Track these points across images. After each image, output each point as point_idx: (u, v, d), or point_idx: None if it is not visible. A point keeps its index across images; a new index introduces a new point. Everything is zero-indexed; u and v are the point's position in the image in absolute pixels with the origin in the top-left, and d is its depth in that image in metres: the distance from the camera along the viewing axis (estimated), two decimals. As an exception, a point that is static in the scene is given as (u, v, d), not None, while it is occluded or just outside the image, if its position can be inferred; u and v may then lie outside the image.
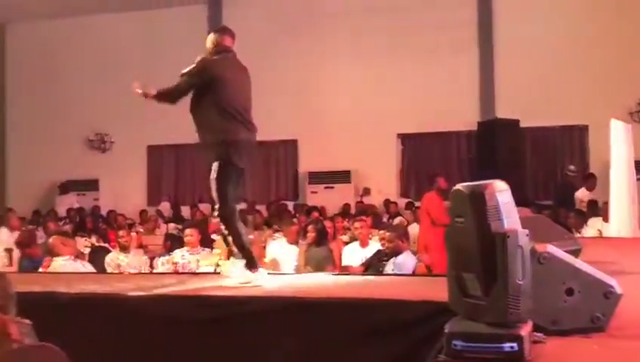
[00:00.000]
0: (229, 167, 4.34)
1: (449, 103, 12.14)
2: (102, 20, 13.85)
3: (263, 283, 4.34)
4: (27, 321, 3.00)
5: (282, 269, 6.88)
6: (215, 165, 4.35)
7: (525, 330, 2.01)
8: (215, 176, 4.34)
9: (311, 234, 7.30)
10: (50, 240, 6.58)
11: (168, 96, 4.48)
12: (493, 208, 2.05)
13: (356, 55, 12.83)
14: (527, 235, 2.03)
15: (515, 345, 1.97)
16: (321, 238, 7.25)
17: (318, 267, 6.83)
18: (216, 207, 4.41)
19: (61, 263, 6.15)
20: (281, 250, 7.23)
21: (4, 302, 2.99)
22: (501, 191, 2.11)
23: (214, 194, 4.37)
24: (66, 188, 14.16)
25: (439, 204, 7.87)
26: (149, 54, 13.68)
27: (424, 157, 12.99)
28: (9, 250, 7.72)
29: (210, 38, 4.60)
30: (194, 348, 3.83)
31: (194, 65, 4.41)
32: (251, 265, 4.38)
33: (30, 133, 14.50)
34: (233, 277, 4.44)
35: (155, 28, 13.60)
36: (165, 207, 13.58)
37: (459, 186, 2.19)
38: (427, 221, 7.91)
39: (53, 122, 14.21)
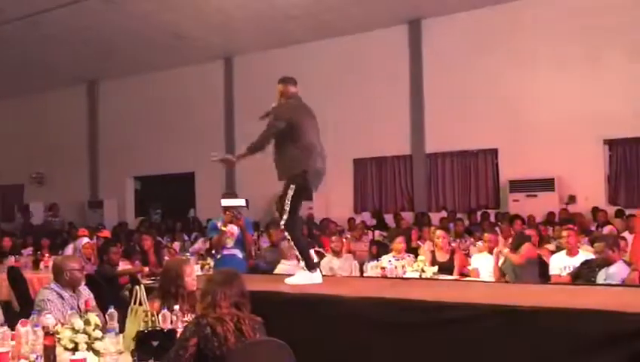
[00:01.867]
0: (303, 191, 5.12)
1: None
2: (310, 48, 14.79)
3: (320, 282, 4.97)
4: (258, 318, 3.39)
5: (482, 278, 6.99)
6: (293, 187, 5.11)
7: None
8: (291, 195, 5.09)
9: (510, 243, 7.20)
10: (283, 244, 7.35)
11: (259, 146, 5.28)
12: None
13: (556, 60, 12.48)
14: None
15: None
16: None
17: (518, 277, 6.75)
18: (284, 217, 5.11)
19: (283, 266, 7.07)
20: (483, 259, 7.29)
21: (240, 300, 3.39)
22: None
23: (286, 208, 5.10)
24: (282, 199, 15.44)
25: None
26: (353, 76, 14.38)
27: (634, 162, 12.21)
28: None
29: (278, 88, 5.39)
30: (400, 350, 3.96)
31: (276, 113, 5.18)
32: (310, 266, 5.11)
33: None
34: (295, 277, 5.14)
35: (359, 51, 14.24)
36: (366, 215, 14.23)
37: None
38: None
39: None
